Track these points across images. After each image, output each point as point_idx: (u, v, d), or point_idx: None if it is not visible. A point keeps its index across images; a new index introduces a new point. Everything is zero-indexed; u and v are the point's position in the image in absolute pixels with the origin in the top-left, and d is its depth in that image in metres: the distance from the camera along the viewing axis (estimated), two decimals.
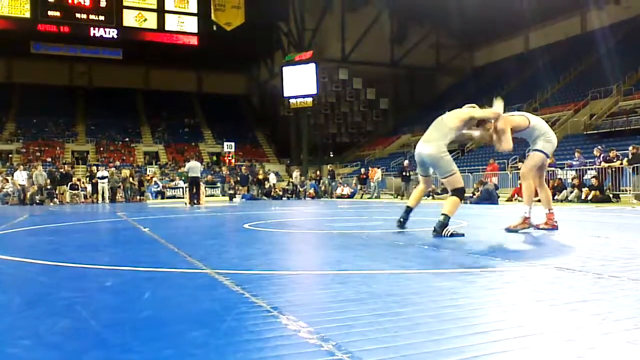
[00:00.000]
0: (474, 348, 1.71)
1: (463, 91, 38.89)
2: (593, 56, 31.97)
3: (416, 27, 43.12)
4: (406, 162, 23.19)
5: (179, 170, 18.47)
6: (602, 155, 16.91)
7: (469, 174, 22.67)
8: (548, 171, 17.95)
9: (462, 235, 5.31)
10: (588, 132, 25.82)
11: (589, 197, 15.00)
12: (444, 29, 43.41)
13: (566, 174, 18.07)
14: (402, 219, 5.96)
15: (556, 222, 5.95)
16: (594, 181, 15.55)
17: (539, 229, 5.82)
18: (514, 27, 38.72)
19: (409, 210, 6.05)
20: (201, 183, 17.41)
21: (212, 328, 2.01)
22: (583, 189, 15.56)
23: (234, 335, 1.92)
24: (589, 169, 17.16)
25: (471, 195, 16.95)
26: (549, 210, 5.91)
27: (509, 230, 5.61)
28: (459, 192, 5.56)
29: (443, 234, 5.25)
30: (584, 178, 16.54)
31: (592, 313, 2.17)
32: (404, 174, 22.60)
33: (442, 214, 5.36)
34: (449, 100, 34.74)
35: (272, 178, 26.95)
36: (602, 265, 3.43)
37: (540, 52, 36.11)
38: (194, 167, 16.60)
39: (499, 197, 16.39)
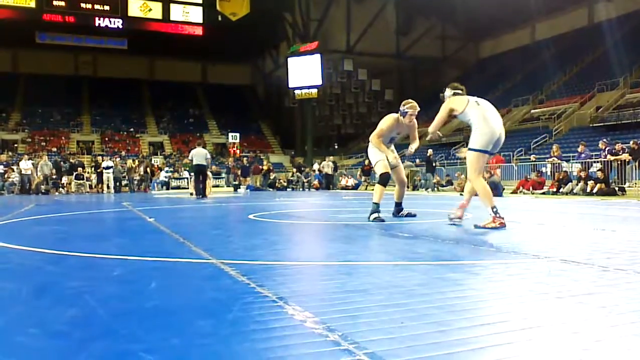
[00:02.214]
0: (479, 339, 1.72)
1: (468, 83, 38.71)
2: (600, 48, 31.74)
3: (421, 19, 42.90)
4: (430, 150, 22.60)
5: (184, 162, 18.25)
6: (607, 148, 16.83)
7: None
8: (553, 163, 17.95)
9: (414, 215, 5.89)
10: (594, 125, 25.70)
11: (595, 190, 14.96)
12: (449, 20, 43.18)
13: (572, 167, 18.01)
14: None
15: (462, 214, 5.70)
16: (599, 174, 15.49)
17: (450, 218, 5.66)
18: (520, 19, 38.42)
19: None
20: (208, 173, 16.83)
21: (218, 318, 2.02)
22: (588, 182, 15.50)
23: (240, 325, 1.93)
24: (594, 161, 17.10)
25: None
26: (465, 202, 5.67)
27: (477, 226, 5.36)
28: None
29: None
30: (589, 171, 16.48)
31: (598, 306, 2.17)
32: (431, 164, 21.88)
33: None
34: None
35: (328, 167, 26.01)
36: (608, 258, 3.43)
37: (546, 43, 35.85)
38: (198, 154, 15.41)
39: (504, 189, 16.35)
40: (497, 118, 5.41)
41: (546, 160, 19.13)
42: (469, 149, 5.43)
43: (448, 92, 5.68)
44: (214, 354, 1.61)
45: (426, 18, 42.74)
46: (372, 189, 22.03)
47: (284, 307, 2.13)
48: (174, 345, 1.68)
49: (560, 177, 16.65)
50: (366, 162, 26.71)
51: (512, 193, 16.93)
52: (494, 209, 5.25)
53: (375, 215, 6.20)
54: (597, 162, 16.82)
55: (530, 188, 16.93)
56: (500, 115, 5.61)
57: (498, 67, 39.28)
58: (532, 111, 31.40)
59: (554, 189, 16.34)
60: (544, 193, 16.31)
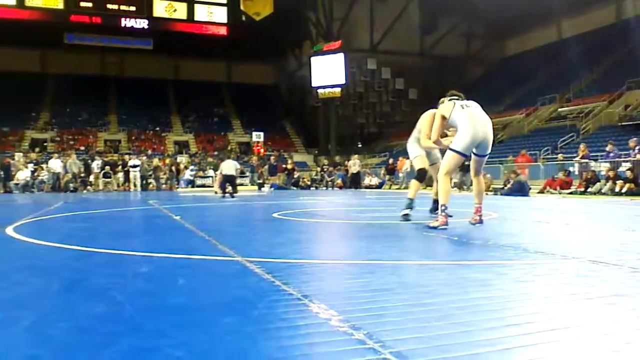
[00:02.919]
0: (506, 340, 1.70)
1: (493, 81, 38.26)
2: (628, 45, 30.99)
3: (446, 16, 42.46)
4: None
5: (212, 162, 18.36)
6: (637, 147, 16.46)
7: (499, 164, 22.35)
8: (581, 163, 17.63)
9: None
10: (623, 124, 25.16)
11: (624, 190, 14.65)
12: (474, 18, 42.65)
13: (600, 166, 17.66)
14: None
15: (480, 216, 5.44)
16: (628, 174, 15.16)
17: (471, 223, 5.42)
18: (547, 16, 37.75)
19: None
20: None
21: (244, 315, 2.03)
22: (617, 182, 15.19)
23: (266, 322, 1.94)
24: (623, 161, 16.74)
25: (502, 186, 16.73)
26: (478, 204, 5.48)
27: (429, 227, 5.27)
28: None
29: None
30: (618, 170, 16.14)
31: (627, 307, 2.13)
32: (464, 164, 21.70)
33: None
34: (479, 90, 34.21)
35: (355, 165, 25.82)
36: (638, 259, 3.36)
37: (573, 41, 35.14)
38: (227, 166, 15.65)
39: (530, 188, 16.12)
40: (482, 121, 5.31)
41: (574, 159, 18.81)
42: (449, 148, 5.42)
43: (446, 99, 5.66)
44: (239, 351, 1.62)
45: (450, 16, 42.29)
46: (396, 188, 21.84)
47: (308, 305, 2.14)
48: (200, 342, 1.70)
49: (588, 176, 16.34)
50: (390, 161, 26.61)
51: (538, 193, 16.68)
52: (444, 208, 5.23)
53: (406, 211, 6.18)
54: (627, 161, 16.47)
55: (558, 188, 16.66)
56: (488, 118, 5.40)
57: (524, 65, 38.66)
58: (559, 110, 30.86)
59: (582, 189, 16.05)
60: (571, 193, 16.03)
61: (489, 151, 5.43)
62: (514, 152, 24.87)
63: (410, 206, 6.27)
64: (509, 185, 16.12)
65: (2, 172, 21.57)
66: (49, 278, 2.92)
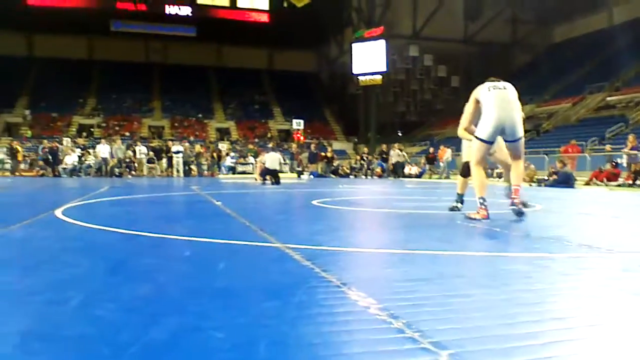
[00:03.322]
0: (547, 334, 1.67)
1: (539, 69, 37.21)
2: None
3: (491, 2, 41.43)
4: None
5: (260, 158, 18.40)
6: None
7: (544, 155, 21.81)
8: (630, 154, 17.03)
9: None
10: None
11: None
12: (520, 3, 41.49)
13: None
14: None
15: (514, 199, 5.07)
16: None
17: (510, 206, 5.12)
18: (597, 1, 36.43)
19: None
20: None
21: (284, 300, 2.06)
22: None
23: (305, 308, 1.96)
24: None
25: (547, 178, 16.33)
26: (516, 185, 5.11)
27: (469, 217, 5.10)
28: None
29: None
30: None
31: None
32: None
33: None
34: (524, 78, 33.34)
35: (397, 154, 25.63)
36: None
37: (624, 27, 33.79)
38: (272, 159, 15.60)
39: (575, 180, 15.69)
40: (507, 105, 5.08)
41: (622, 150, 18.19)
42: (474, 136, 5.24)
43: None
44: (279, 335, 1.65)
45: (495, 1, 41.26)
46: (437, 178, 21.62)
47: (347, 292, 2.15)
48: (241, 325, 1.74)
49: (637, 168, 15.78)
50: (430, 149, 26.31)
51: (584, 185, 16.22)
52: (481, 200, 5.09)
53: (455, 204, 6.04)
54: None
55: (604, 180, 16.16)
56: (515, 101, 5.12)
57: (571, 52, 37.43)
58: (608, 99, 29.82)
59: (630, 181, 15.52)
60: (619, 185, 15.52)
61: (519, 135, 5.11)
62: (560, 142, 24.22)
63: (458, 200, 6.07)
64: (553, 177, 15.73)
65: (50, 157, 22.34)
66: (96, 259, 3.02)
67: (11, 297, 2.14)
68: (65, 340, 1.59)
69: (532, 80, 34.06)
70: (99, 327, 1.70)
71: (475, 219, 4.98)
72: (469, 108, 5.37)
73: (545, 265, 2.92)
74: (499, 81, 5.28)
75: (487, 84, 5.24)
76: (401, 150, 25.35)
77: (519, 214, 4.96)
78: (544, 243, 3.74)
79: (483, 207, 5.05)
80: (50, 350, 1.52)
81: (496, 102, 5.07)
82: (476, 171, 5.28)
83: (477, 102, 5.25)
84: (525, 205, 5.86)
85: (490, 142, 5.18)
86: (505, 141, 5.24)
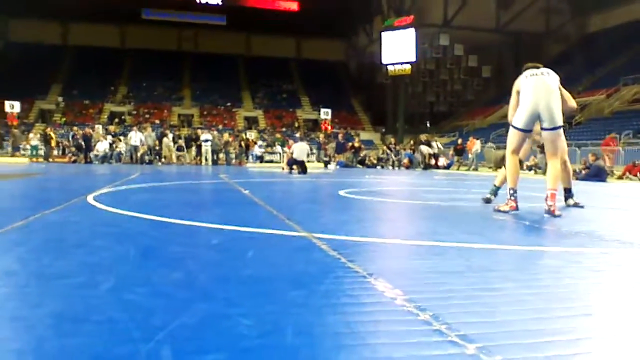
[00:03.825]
0: (578, 330, 1.65)
1: (572, 60, 36.33)
2: None
3: None
4: None
5: (289, 149, 18.36)
6: None
7: (576, 148, 21.37)
8: None
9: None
10: None
11: None
12: None
13: None
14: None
15: (550, 206, 4.77)
16: None
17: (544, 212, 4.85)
18: None
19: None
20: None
21: (311, 289, 2.07)
22: None
23: (332, 297, 1.97)
24: None
25: (578, 171, 16.01)
26: (550, 189, 4.84)
27: (498, 210, 4.98)
28: None
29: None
30: None
31: None
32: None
33: None
34: (557, 69, 32.49)
35: (436, 147, 25.58)
36: None
37: None
38: (300, 149, 15.63)
39: (608, 174, 15.35)
40: (541, 91, 4.92)
41: None
42: (510, 124, 5.15)
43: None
44: (306, 323, 1.66)
45: None
46: (465, 169, 21.34)
47: (374, 283, 2.15)
48: (269, 312, 1.76)
49: None
50: (459, 141, 26.01)
51: (617, 179, 15.85)
52: (512, 191, 4.98)
53: (488, 196, 5.95)
54: None
55: (638, 174, 15.77)
56: (553, 87, 4.95)
57: (607, 42, 36.41)
58: None
59: None
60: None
61: (557, 123, 4.92)
62: (592, 134, 23.71)
63: (493, 192, 5.97)
64: (586, 170, 15.41)
65: (83, 143, 22.78)
66: (127, 245, 3.08)
67: (45, 279, 2.20)
68: (97, 323, 1.63)
69: (565, 71, 33.16)
70: (130, 311, 1.74)
71: (503, 212, 4.91)
72: (512, 101, 5.26)
73: (576, 260, 2.87)
74: (538, 67, 5.16)
75: (526, 72, 5.13)
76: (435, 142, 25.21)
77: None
78: (575, 238, 3.67)
79: (513, 198, 4.97)
80: (82, 331, 1.56)
81: (533, 88, 4.97)
82: (510, 160, 5.19)
83: (518, 93, 5.15)
84: (577, 204, 5.73)
85: (525, 130, 5.07)
86: (542, 129, 5.04)
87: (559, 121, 4.94)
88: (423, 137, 26.32)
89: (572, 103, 5.55)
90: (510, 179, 5.09)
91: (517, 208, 4.93)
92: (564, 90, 5.23)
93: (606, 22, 39.40)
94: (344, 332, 1.59)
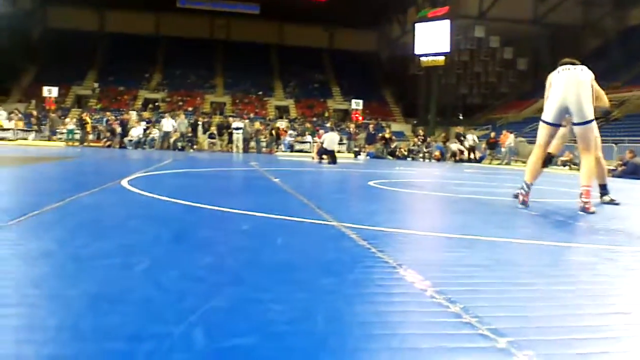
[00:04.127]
0: (612, 328, 1.62)
1: (611, 54, 35.32)
2: None
3: None
4: None
5: (319, 139, 18.36)
6: None
7: (613, 144, 20.84)
8: None
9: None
10: None
11: None
12: None
13: None
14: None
15: (585, 202, 4.68)
16: None
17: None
18: None
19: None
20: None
21: (341, 278, 2.08)
22: None
23: (362, 286, 1.98)
24: None
25: (614, 168, 15.63)
26: (584, 185, 4.73)
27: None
28: None
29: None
30: None
31: None
32: None
33: None
34: (595, 63, 31.72)
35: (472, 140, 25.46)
36: None
37: None
38: (331, 140, 15.56)
39: None
40: (570, 84, 4.83)
41: None
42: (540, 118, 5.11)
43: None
44: (336, 311, 1.67)
45: None
46: (497, 163, 21.01)
47: (403, 274, 2.15)
48: (299, 299, 1.77)
49: None
50: (492, 134, 25.62)
51: None
52: (528, 185, 4.87)
53: (519, 191, 5.78)
54: None
55: None
56: (582, 81, 4.84)
57: None
58: None
59: None
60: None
61: (588, 117, 4.80)
62: (630, 131, 23.07)
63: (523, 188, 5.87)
64: (622, 167, 15.03)
65: (120, 128, 23.22)
66: (160, 228, 3.14)
67: (82, 260, 2.26)
68: (132, 304, 1.67)
69: (604, 65, 32.37)
70: (163, 293, 1.77)
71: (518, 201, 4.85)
72: (545, 95, 5.19)
73: (611, 257, 2.81)
74: (574, 63, 5.07)
75: (559, 67, 5.05)
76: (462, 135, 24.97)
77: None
78: (610, 235, 3.60)
79: (523, 192, 4.87)
80: (118, 311, 1.60)
81: (563, 82, 4.90)
82: (534, 153, 5.14)
83: (550, 87, 5.07)
84: (613, 201, 5.60)
85: (553, 124, 4.99)
86: (572, 124, 4.97)
87: (589, 115, 4.83)
88: (459, 129, 26.04)
89: (605, 102, 5.44)
90: (528, 173, 5.01)
91: (524, 203, 4.81)
92: (597, 88, 5.13)
93: None
94: (374, 321, 1.60)
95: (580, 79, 4.88)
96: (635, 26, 38.89)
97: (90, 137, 24.58)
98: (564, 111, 4.87)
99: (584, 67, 5.02)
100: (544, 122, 5.04)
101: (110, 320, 1.51)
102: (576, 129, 4.95)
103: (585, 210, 4.63)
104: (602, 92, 5.29)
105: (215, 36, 46.67)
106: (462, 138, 25.49)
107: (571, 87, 4.85)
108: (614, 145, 20.72)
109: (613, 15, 40.83)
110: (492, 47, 42.35)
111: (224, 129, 24.94)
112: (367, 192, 6.64)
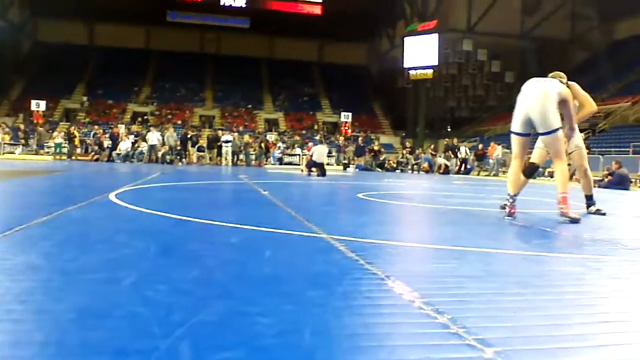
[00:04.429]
0: (597, 337, 1.64)
1: (598, 67, 35.80)
2: None
3: None
4: None
5: (308, 152, 18.40)
6: None
7: (599, 155, 21.05)
8: None
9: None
10: None
11: None
12: None
13: None
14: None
15: (562, 209, 4.80)
16: None
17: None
18: None
19: None
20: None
21: (329, 290, 2.08)
22: None
23: (350, 299, 1.98)
24: None
25: (601, 179, 15.78)
26: (559, 192, 4.85)
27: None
28: None
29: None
30: None
31: None
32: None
33: None
34: (582, 76, 32.16)
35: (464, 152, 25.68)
36: None
37: None
38: (320, 152, 15.62)
39: (631, 182, 15.10)
40: (528, 97, 4.95)
41: None
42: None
43: None
44: (324, 324, 1.67)
45: None
46: (485, 175, 21.16)
47: (392, 285, 2.15)
48: (287, 311, 1.77)
49: None
50: (480, 146, 25.81)
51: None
52: (512, 197, 4.92)
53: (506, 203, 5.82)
54: None
55: None
56: (541, 91, 4.91)
57: (635, 49, 35.81)
58: None
59: None
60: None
61: (551, 127, 4.83)
62: (616, 142, 23.34)
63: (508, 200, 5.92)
64: (608, 177, 15.18)
65: (111, 141, 23.14)
66: (147, 242, 3.12)
67: (68, 274, 2.24)
68: (118, 318, 1.66)
69: (591, 78, 32.79)
70: (150, 307, 1.76)
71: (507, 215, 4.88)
72: None
73: (597, 267, 2.83)
74: (558, 77, 5.17)
75: (531, 79, 5.18)
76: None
77: (574, 222, 4.69)
78: (596, 245, 3.63)
79: (509, 204, 4.92)
80: (104, 326, 1.58)
81: (526, 94, 5.01)
82: (512, 165, 5.21)
83: None
84: (599, 211, 5.64)
85: (521, 134, 5.04)
86: (538, 134, 5.04)
87: (555, 124, 4.87)
88: (448, 141, 26.22)
89: (588, 109, 5.50)
90: (510, 185, 5.06)
91: (511, 215, 4.85)
92: (581, 94, 5.22)
93: (634, 28, 38.72)
94: (361, 333, 1.60)
95: (543, 90, 4.96)
96: (622, 40, 39.48)
97: (78, 150, 24.46)
98: (528, 122, 4.95)
99: (555, 80, 5.12)
100: (512, 132, 5.12)
101: (97, 335, 1.50)
102: (542, 138, 5.05)
103: (564, 215, 4.70)
104: (585, 99, 5.37)
105: (205, 50, 46.78)
106: (457, 150, 25.64)
107: (532, 99, 4.94)
108: (600, 156, 20.94)
109: (600, 28, 41.42)
110: (480, 60, 42.78)
111: (213, 142, 24.94)
112: (356, 204, 6.65)
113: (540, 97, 4.90)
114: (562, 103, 4.98)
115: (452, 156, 25.33)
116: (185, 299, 1.90)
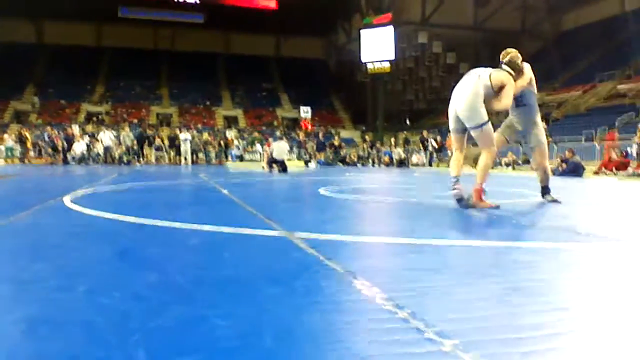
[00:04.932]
0: (552, 324, 1.67)
1: (549, 57, 36.83)
2: None
3: None
4: None
5: (268, 147, 18.23)
6: None
7: (553, 144, 21.66)
8: None
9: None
10: None
11: None
12: None
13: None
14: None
15: (457, 193, 5.14)
16: None
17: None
18: None
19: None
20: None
21: (289, 288, 2.07)
22: None
23: (310, 295, 1.97)
24: None
25: (556, 167, 16.24)
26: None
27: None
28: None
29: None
30: None
31: None
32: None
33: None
34: (533, 66, 32.98)
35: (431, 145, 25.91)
36: None
37: (636, 14, 33.27)
38: (280, 149, 15.43)
39: (584, 169, 15.59)
40: (455, 94, 5.12)
41: (632, 139, 18.04)
42: None
43: None
44: (284, 322, 1.66)
45: None
46: (445, 166, 21.54)
47: (352, 281, 2.15)
48: (246, 313, 1.75)
49: None
50: (437, 138, 26.19)
51: (593, 174, 16.11)
52: (455, 178, 5.12)
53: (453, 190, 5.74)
54: None
55: (613, 169, 16.04)
56: (463, 86, 5.07)
57: (582, 40, 36.97)
58: (619, 87, 29.54)
59: None
60: (628, 175, 15.40)
61: (474, 123, 4.99)
62: (569, 131, 24.07)
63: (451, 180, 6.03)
64: (562, 165, 15.64)
65: (65, 143, 22.46)
66: (102, 247, 3.04)
67: (19, 283, 2.16)
68: (72, 327, 1.61)
69: (542, 68, 33.65)
70: (105, 315, 1.72)
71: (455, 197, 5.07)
72: None
73: (552, 255, 2.91)
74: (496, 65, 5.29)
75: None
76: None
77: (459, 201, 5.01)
78: (551, 233, 3.73)
79: (452, 184, 5.12)
80: (57, 335, 1.53)
81: (455, 90, 5.14)
82: (453, 154, 5.39)
83: None
84: (554, 200, 5.76)
85: (454, 130, 5.20)
86: (469, 128, 5.13)
87: (480, 119, 4.96)
88: (406, 134, 26.55)
89: (500, 105, 5.35)
90: (451, 170, 5.23)
91: (460, 196, 5.04)
92: (506, 89, 5.09)
93: (581, 19, 39.98)
94: (322, 330, 1.60)
95: (465, 86, 5.05)
96: (570, 30, 40.65)
97: (32, 153, 23.69)
98: (454, 117, 5.09)
99: (488, 70, 5.13)
100: (450, 129, 5.28)
101: (49, 346, 1.45)
102: (471, 132, 5.13)
103: (473, 206, 4.88)
104: (504, 94, 5.10)
105: (159, 46, 45.97)
106: (426, 142, 25.99)
107: (459, 96, 5.06)
108: (554, 145, 21.55)
109: (549, 20, 42.58)
110: (435, 52, 43.44)
111: (174, 141, 24.56)
112: (317, 200, 6.65)
113: (466, 95, 5.00)
114: (501, 89, 5.03)
115: (422, 149, 25.65)
116: (142, 304, 1.85)
